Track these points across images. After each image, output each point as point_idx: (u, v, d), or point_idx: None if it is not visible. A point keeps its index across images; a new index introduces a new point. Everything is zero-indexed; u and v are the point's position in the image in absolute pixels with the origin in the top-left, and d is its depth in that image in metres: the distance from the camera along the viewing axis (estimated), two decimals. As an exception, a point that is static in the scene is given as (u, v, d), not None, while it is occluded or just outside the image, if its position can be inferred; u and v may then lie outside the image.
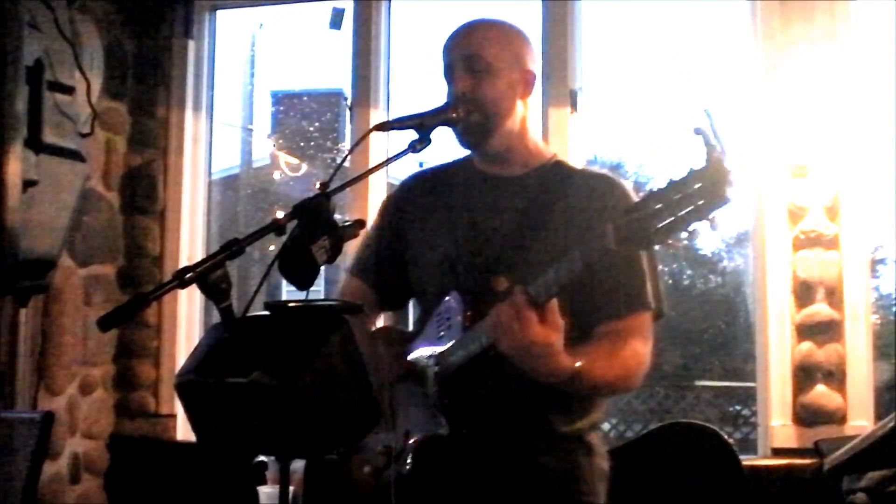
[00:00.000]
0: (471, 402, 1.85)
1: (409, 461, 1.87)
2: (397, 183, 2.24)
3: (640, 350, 1.86)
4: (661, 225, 1.46)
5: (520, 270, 1.81)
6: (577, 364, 1.70)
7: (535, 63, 2.00)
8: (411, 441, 1.88)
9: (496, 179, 2.00)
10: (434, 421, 1.86)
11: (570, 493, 1.91)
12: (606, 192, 1.90)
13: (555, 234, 1.87)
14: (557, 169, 2.00)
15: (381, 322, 2.30)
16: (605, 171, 2.01)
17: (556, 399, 1.84)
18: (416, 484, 1.86)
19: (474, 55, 1.92)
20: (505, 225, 1.93)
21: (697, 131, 1.43)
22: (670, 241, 1.47)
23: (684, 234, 1.45)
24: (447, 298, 1.90)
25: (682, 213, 1.43)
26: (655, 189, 1.47)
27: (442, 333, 1.90)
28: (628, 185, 1.94)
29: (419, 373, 1.92)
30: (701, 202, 1.42)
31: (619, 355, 1.83)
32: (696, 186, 1.42)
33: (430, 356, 1.90)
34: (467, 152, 2.04)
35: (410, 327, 2.20)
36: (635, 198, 1.74)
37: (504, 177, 1.99)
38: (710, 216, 1.42)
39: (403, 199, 2.13)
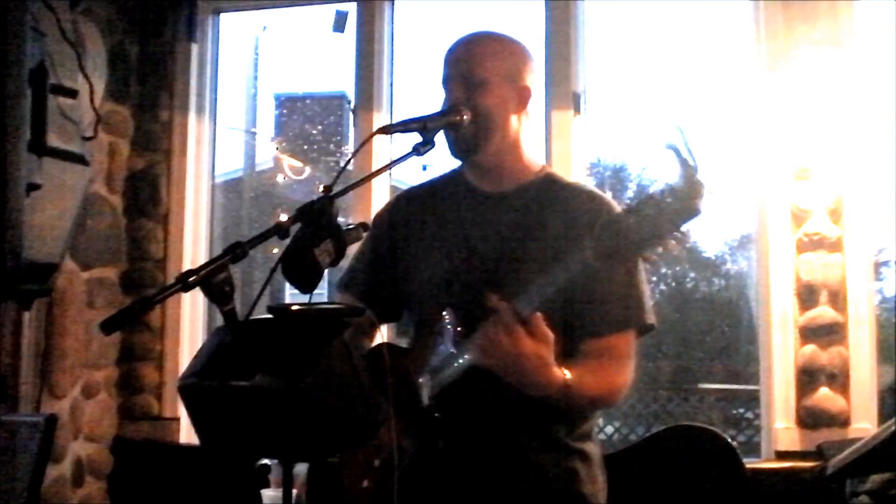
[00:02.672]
0: (463, 417, 1.89)
1: (404, 475, 1.86)
2: (401, 186, 2.25)
3: (624, 368, 1.92)
4: (636, 239, 1.53)
5: (513, 287, 1.82)
6: (568, 376, 1.76)
7: (533, 78, 2.03)
8: (405, 456, 1.89)
9: (488, 196, 2.03)
10: (428, 435, 1.89)
11: (571, 491, 1.93)
12: (592, 209, 1.93)
13: (545, 251, 1.90)
14: (547, 184, 2.03)
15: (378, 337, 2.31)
16: (591, 187, 2.05)
17: (546, 411, 1.87)
18: (412, 498, 1.86)
19: (470, 69, 1.96)
20: (498, 242, 1.97)
21: (670, 147, 1.47)
22: (645, 255, 1.55)
23: (659, 249, 1.52)
24: (443, 314, 1.94)
25: (657, 226, 1.51)
26: (632, 204, 1.54)
27: (436, 349, 1.94)
28: (612, 201, 1.98)
29: (414, 388, 1.94)
30: (674, 216, 1.49)
31: (606, 372, 1.89)
32: (669, 201, 1.49)
33: (424, 370, 1.93)
34: (457, 164, 2.06)
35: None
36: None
37: (496, 193, 2.02)
38: (683, 228, 1.50)
39: (395, 214, 2.17)
